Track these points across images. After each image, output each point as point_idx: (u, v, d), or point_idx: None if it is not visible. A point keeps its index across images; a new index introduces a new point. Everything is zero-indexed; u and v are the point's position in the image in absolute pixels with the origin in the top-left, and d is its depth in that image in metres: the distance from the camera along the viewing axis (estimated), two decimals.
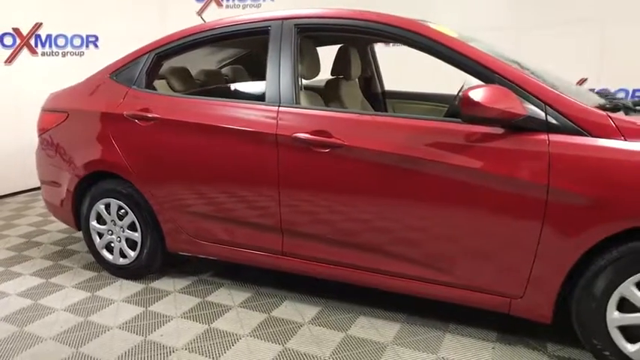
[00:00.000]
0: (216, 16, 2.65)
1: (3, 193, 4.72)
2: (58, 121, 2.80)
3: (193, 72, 3.16)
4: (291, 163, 2.12)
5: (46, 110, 2.90)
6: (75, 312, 2.39)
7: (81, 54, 5.30)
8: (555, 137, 1.70)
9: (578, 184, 1.66)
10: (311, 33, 2.30)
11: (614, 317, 1.71)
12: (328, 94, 2.78)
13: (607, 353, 1.75)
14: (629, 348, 1.71)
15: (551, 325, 1.86)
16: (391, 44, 6.61)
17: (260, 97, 2.26)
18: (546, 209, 1.71)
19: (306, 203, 2.14)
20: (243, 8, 6.42)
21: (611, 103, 1.91)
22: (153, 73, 2.61)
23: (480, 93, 1.66)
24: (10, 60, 4.77)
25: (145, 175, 2.50)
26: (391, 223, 1.99)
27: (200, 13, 6.28)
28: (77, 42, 5.28)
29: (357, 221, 2.06)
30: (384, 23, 2.06)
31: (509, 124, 1.73)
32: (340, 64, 2.86)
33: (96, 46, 5.42)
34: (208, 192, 2.38)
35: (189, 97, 2.52)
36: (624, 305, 1.69)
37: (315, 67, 2.48)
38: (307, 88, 2.98)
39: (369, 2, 6.38)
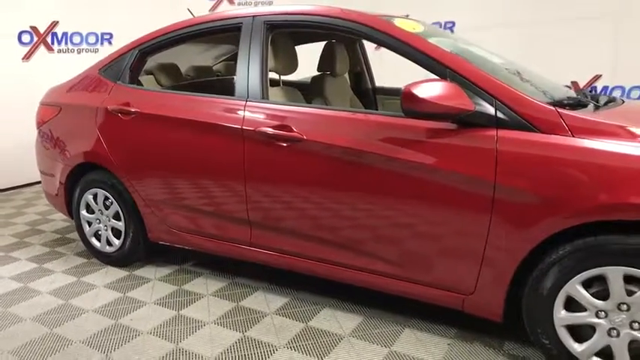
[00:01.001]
0: None
1: (19, 184, 4.98)
2: (52, 114, 2.94)
3: (185, 67, 3.26)
4: (255, 157, 2.18)
5: (43, 104, 3.06)
6: (58, 295, 2.52)
7: (95, 51, 5.50)
8: (504, 133, 1.69)
9: (524, 180, 1.64)
10: (281, 30, 2.33)
11: (561, 316, 1.68)
12: (313, 90, 2.82)
13: (555, 352, 1.73)
14: (576, 347, 1.68)
15: (512, 323, 1.84)
16: None
17: (232, 92, 2.32)
18: (493, 206, 1.70)
19: (269, 196, 2.19)
20: (255, 5, 6.51)
21: (572, 99, 1.86)
22: (136, 69, 2.71)
23: (422, 88, 1.66)
24: (27, 57, 5.01)
25: (126, 167, 2.61)
26: (346, 216, 2.02)
27: (212, 9, 6.40)
28: (92, 39, 5.49)
29: (315, 214, 2.09)
30: (342, 19, 2.07)
31: (457, 119, 1.73)
32: (326, 61, 2.89)
33: (110, 43, 5.61)
34: (182, 184, 2.46)
35: (166, 92, 2.61)
36: (572, 304, 1.67)
37: (290, 63, 2.52)
38: (291, 83, 3.03)
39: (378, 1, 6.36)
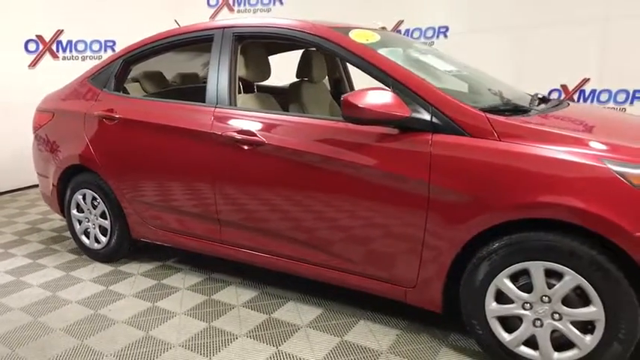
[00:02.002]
0: None
1: (24, 186, 5.23)
2: (46, 120, 3.15)
3: (171, 75, 3.44)
4: (222, 159, 2.34)
5: (39, 110, 3.27)
6: (47, 288, 2.71)
7: (99, 58, 5.73)
8: (438, 137, 1.82)
9: (455, 181, 1.77)
10: (249, 40, 2.49)
11: (492, 308, 1.80)
12: (291, 97, 2.97)
13: (488, 342, 1.85)
14: (506, 337, 1.80)
15: (452, 315, 1.97)
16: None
17: (204, 99, 2.48)
18: (429, 205, 1.83)
19: (234, 196, 2.35)
20: (254, 12, 6.70)
21: (509, 105, 1.98)
22: (121, 77, 2.90)
23: (359, 96, 1.80)
24: (33, 64, 5.27)
25: (110, 169, 2.80)
26: (299, 215, 2.17)
27: (213, 17, 6.61)
28: (96, 47, 5.74)
29: (273, 213, 2.24)
30: (299, 30, 2.22)
31: (397, 124, 1.86)
32: (303, 68, 3.04)
33: (113, 50, 5.84)
34: (159, 185, 2.63)
35: (146, 99, 2.80)
36: (502, 297, 1.79)
37: (261, 71, 2.68)
38: (273, 89, 3.19)
39: (377, 4, 6.49)
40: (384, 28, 3.25)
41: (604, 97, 5.11)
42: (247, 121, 2.28)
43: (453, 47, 6.20)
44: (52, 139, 3.11)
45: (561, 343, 1.72)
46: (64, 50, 5.49)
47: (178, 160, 2.52)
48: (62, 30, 5.44)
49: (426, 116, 1.85)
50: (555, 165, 1.62)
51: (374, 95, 1.81)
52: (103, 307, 2.46)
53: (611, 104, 5.07)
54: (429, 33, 6.46)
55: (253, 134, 2.22)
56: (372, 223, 1.99)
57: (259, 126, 2.23)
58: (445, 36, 6.36)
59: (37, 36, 5.25)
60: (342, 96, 1.82)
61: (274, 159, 2.18)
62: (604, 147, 1.63)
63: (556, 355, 1.72)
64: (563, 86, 5.39)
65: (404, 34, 6.52)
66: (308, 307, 2.38)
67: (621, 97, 4.96)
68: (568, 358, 1.70)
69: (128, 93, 3.05)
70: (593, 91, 5.19)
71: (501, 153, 1.70)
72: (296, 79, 3.17)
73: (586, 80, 5.20)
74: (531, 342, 1.77)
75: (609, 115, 2.25)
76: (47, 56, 5.34)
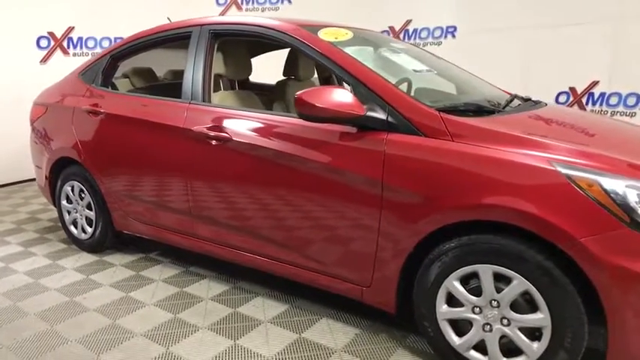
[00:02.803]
0: None
1: (33, 177, 5.39)
2: (41, 113, 3.26)
3: (163, 71, 3.51)
4: (194, 154, 2.37)
5: (35, 103, 3.38)
6: (31, 275, 2.81)
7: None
8: (392, 137, 1.80)
9: (406, 181, 1.76)
10: (225, 37, 2.51)
11: (443, 310, 1.78)
12: (276, 94, 2.99)
13: (439, 345, 1.83)
14: (456, 341, 1.77)
15: (407, 316, 1.96)
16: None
17: (180, 95, 2.52)
18: (382, 204, 1.82)
19: (204, 190, 2.38)
20: (262, 11, 6.76)
21: (472, 105, 1.95)
22: (109, 73, 2.98)
23: (312, 94, 1.80)
24: (45, 60, 5.44)
25: (94, 162, 2.87)
26: (260, 210, 2.18)
27: (222, 14, 6.68)
28: (105, 43, 5.86)
29: (239, 207, 2.26)
30: (270, 28, 2.23)
31: (355, 123, 1.85)
32: (290, 66, 3.06)
33: None
34: (138, 178, 2.69)
35: (128, 95, 2.86)
36: (453, 300, 1.76)
37: (240, 69, 2.71)
38: (258, 88, 3.22)
39: (385, 3, 6.44)
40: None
41: (613, 100, 4.95)
42: (217, 117, 2.31)
43: (461, 47, 6.13)
44: (45, 131, 3.22)
45: (510, 348, 1.69)
46: (75, 47, 5.65)
47: (155, 154, 2.56)
48: (73, 27, 5.60)
49: (382, 115, 1.83)
50: (503, 166, 1.59)
51: (327, 93, 1.81)
52: (79, 295, 2.53)
53: (620, 108, 4.91)
54: (437, 33, 6.38)
55: (221, 130, 2.25)
56: (328, 220, 1.99)
57: (227, 122, 2.26)
58: (453, 36, 6.28)
59: (48, 33, 5.42)
60: (296, 93, 1.83)
61: (238, 155, 2.20)
62: (555, 150, 1.58)
63: None
64: (572, 89, 5.25)
65: (412, 34, 6.47)
66: (274, 303, 2.40)
67: (631, 101, 4.80)
68: None
69: (117, 89, 3.12)
70: (602, 94, 5.04)
71: (452, 153, 1.68)
72: (283, 77, 3.20)
73: (595, 83, 5.05)
74: (481, 347, 1.74)
75: (579, 118, 2.18)
76: (58, 52, 5.51)
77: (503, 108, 2.05)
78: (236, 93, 2.72)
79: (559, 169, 1.52)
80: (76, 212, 3.13)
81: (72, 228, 3.20)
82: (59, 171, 3.17)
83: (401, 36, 6.54)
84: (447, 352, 1.81)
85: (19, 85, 5.24)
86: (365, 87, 1.88)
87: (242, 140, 2.17)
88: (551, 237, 1.51)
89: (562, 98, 5.37)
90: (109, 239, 3.05)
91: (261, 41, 2.89)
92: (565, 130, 1.92)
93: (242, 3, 6.72)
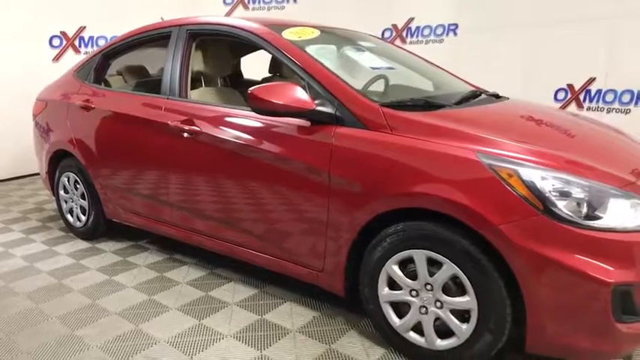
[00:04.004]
0: None
1: None
2: (41, 108, 3.48)
3: (156, 68, 3.67)
4: (170, 146, 2.53)
5: (37, 99, 3.61)
6: (27, 259, 3.02)
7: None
8: (339, 129, 1.92)
9: (349, 171, 1.87)
10: (201, 37, 2.66)
11: (384, 293, 1.89)
12: None
13: (382, 326, 1.94)
14: (397, 322, 1.88)
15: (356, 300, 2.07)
16: (408, 43, 6.73)
17: (159, 91, 2.68)
18: (329, 193, 1.94)
19: (179, 180, 2.54)
20: (268, 10, 6.91)
21: (418, 100, 2.04)
22: (101, 70, 3.17)
23: (265, 89, 1.93)
24: (57, 58, 5.71)
25: (86, 154, 3.06)
26: (226, 199, 2.32)
27: (228, 14, 6.86)
28: None
29: (206, 196, 2.41)
30: (238, 28, 2.37)
31: (301, 116, 1.97)
32: (274, 63, 3.20)
33: None
34: (124, 170, 2.86)
35: (117, 91, 3.03)
36: (395, 283, 1.87)
37: (219, 67, 2.86)
38: (247, 84, 3.35)
39: (388, 2, 6.51)
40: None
41: (609, 97, 4.93)
42: (190, 112, 2.46)
43: (463, 45, 6.16)
44: (44, 126, 3.43)
45: (444, 330, 1.79)
46: (86, 45, 5.91)
47: (138, 147, 2.73)
48: (84, 26, 5.86)
49: (331, 109, 1.95)
50: (431, 157, 1.69)
51: (278, 89, 1.93)
52: (67, 278, 2.73)
53: (616, 105, 4.88)
54: (439, 30, 6.42)
55: (192, 124, 2.40)
56: (284, 208, 2.12)
57: (198, 117, 2.41)
58: (455, 34, 6.31)
59: (61, 32, 5.69)
60: (249, 89, 1.96)
61: (207, 147, 2.35)
62: (481, 141, 1.67)
63: (439, 341, 1.79)
64: (570, 86, 5.23)
65: (415, 32, 6.53)
66: (245, 288, 2.54)
67: (626, 98, 4.77)
68: (448, 345, 1.77)
69: (110, 85, 3.31)
70: (598, 91, 5.01)
71: (387, 145, 1.78)
72: (268, 74, 3.34)
73: (592, 80, 5.03)
74: (420, 328, 1.84)
75: (534, 113, 2.24)
76: (70, 51, 5.77)
77: (459, 103, 2.14)
78: (216, 89, 2.86)
79: (482, 159, 1.61)
80: (72, 202, 3.34)
81: (68, 216, 3.41)
82: (57, 163, 3.39)
83: (404, 34, 6.61)
84: (389, 333, 1.92)
85: (32, 82, 5.46)
86: (316, 82, 2.00)
87: (210, 133, 2.32)
88: (473, 223, 1.61)
89: (560, 95, 5.36)
90: (101, 227, 3.25)
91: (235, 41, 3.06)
92: (505, 123, 2.00)
93: (249, 2, 6.88)
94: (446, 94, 2.46)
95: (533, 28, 5.42)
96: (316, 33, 2.45)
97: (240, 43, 3.19)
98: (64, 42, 5.74)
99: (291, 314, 2.27)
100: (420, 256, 1.76)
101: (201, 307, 2.36)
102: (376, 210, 1.81)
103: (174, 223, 2.68)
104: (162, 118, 2.54)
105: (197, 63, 2.72)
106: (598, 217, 1.54)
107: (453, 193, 1.63)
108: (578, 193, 1.55)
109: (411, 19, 6.57)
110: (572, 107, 5.27)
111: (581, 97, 5.14)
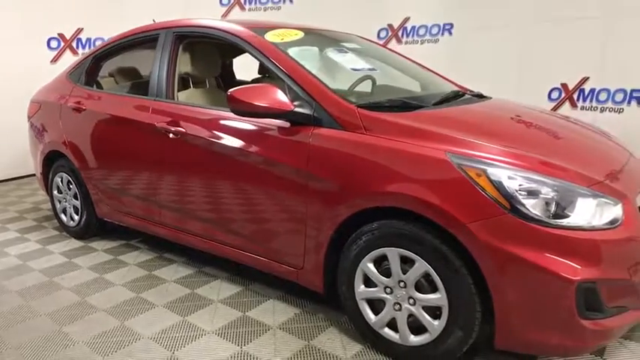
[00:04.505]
0: None
1: None
2: (36, 110, 3.54)
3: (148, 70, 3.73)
4: (157, 147, 2.58)
5: (31, 101, 3.67)
6: (20, 258, 3.08)
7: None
8: (317, 130, 1.96)
9: (325, 171, 1.91)
10: (187, 40, 2.70)
11: (360, 290, 1.93)
12: None
13: (359, 323, 1.98)
14: (372, 318, 1.92)
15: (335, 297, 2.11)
16: (403, 43, 6.76)
17: (147, 93, 2.73)
18: (308, 192, 1.98)
19: (166, 179, 2.59)
20: (265, 11, 6.95)
21: (396, 101, 2.08)
22: (92, 73, 3.23)
23: (243, 91, 1.97)
24: (55, 60, 5.78)
25: (78, 155, 3.12)
26: (210, 198, 2.37)
27: (224, 16, 6.91)
28: None
29: (192, 196, 2.46)
30: (221, 30, 2.42)
31: (281, 117, 2.02)
32: (262, 65, 3.24)
33: None
34: (114, 170, 2.92)
35: (107, 93, 3.08)
36: (369, 281, 1.91)
37: (206, 68, 2.91)
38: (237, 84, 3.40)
39: (384, 1, 6.54)
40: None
41: (603, 96, 4.94)
42: (175, 113, 2.50)
43: (458, 44, 6.19)
44: (39, 127, 3.50)
45: (418, 326, 1.82)
46: (84, 47, 5.97)
47: (126, 147, 2.79)
48: (82, 28, 5.92)
49: (309, 110, 1.99)
50: (403, 157, 1.73)
51: (257, 90, 1.98)
52: (58, 276, 2.78)
53: (609, 104, 4.89)
54: (435, 30, 6.44)
55: (177, 125, 2.44)
56: (266, 207, 2.16)
57: (184, 117, 2.45)
58: (450, 33, 6.33)
59: (58, 34, 5.76)
60: (229, 91, 2.00)
61: (192, 147, 2.40)
62: (452, 141, 1.71)
63: (412, 337, 1.83)
64: (564, 85, 5.24)
65: (410, 32, 6.55)
66: (230, 286, 2.58)
67: (619, 97, 4.78)
68: (421, 342, 1.81)
69: (102, 87, 3.36)
70: (592, 90, 5.02)
71: (361, 145, 1.82)
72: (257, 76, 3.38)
73: (585, 79, 5.04)
74: (394, 325, 1.88)
75: (513, 113, 2.28)
76: (68, 53, 5.83)
77: (439, 103, 2.18)
78: (204, 91, 2.91)
79: (452, 159, 1.65)
80: (65, 202, 3.40)
81: (62, 216, 3.47)
82: (51, 164, 3.44)
83: (399, 34, 6.64)
84: (365, 330, 1.96)
85: (30, 84, 5.53)
86: (295, 84, 2.05)
87: (194, 134, 2.37)
88: (443, 222, 1.65)
89: (554, 94, 5.37)
90: (93, 227, 3.30)
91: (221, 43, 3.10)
92: (479, 123, 2.03)
93: (245, 3, 6.92)
94: (429, 94, 2.50)
95: (528, 28, 5.44)
96: (300, 35, 2.50)
97: (227, 45, 3.26)
98: (62, 44, 5.81)
99: (274, 311, 2.31)
100: (393, 254, 1.80)
101: (186, 304, 2.41)
102: (352, 209, 1.85)
103: (161, 223, 2.73)
104: (149, 119, 2.59)
105: (185, 65, 2.77)
106: (565, 216, 1.57)
107: (423, 192, 1.67)
108: (546, 192, 1.58)
109: (407, 19, 6.59)
110: (566, 107, 5.28)
111: (575, 96, 5.15)
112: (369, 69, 2.51)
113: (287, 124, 2.06)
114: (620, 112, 4.77)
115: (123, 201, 2.96)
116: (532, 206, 1.56)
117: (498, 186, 1.58)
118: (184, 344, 2.06)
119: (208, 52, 2.92)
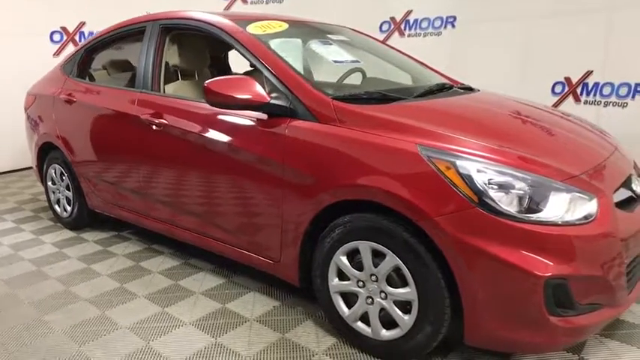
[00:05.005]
0: None
1: None
2: (31, 102, 3.58)
3: None
4: (141, 139, 2.58)
5: (27, 93, 3.71)
6: (14, 248, 3.13)
7: (118, 48, 6.23)
8: (293, 122, 1.94)
9: (300, 163, 1.90)
10: (173, 32, 2.70)
11: (334, 284, 1.92)
12: None
13: (333, 316, 1.96)
14: (346, 312, 1.91)
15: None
16: (406, 36, 6.69)
17: (134, 85, 2.74)
18: (283, 185, 1.96)
19: (150, 172, 2.60)
20: (267, 4, 6.93)
21: (375, 94, 2.05)
22: (84, 65, 3.25)
23: (219, 83, 1.96)
24: (58, 53, 5.82)
25: (69, 147, 3.15)
26: (190, 190, 2.38)
27: (226, 9, 6.90)
28: None
29: (174, 187, 2.47)
30: (204, 22, 2.41)
31: (258, 109, 2.00)
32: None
33: None
34: (102, 161, 2.94)
35: (96, 85, 3.09)
36: (343, 274, 1.89)
37: (194, 61, 2.91)
38: None
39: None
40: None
41: (606, 90, 4.83)
42: (159, 105, 2.51)
43: (461, 37, 6.10)
44: (34, 119, 3.53)
45: (390, 321, 1.80)
46: None
47: (113, 139, 2.81)
48: (84, 22, 5.96)
49: (286, 102, 1.97)
50: (374, 149, 1.71)
51: (232, 82, 1.97)
52: (47, 266, 2.82)
53: (613, 98, 4.79)
54: (437, 23, 6.36)
55: (160, 116, 2.45)
56: (244, 199, 2.15)
57: (166, 110, 2.45)
58: (453, 26, 6.25)
59: (61, 27, 5.81)
60: (205, 82, 1.99)
61: (173, 139, 2.40)
62: (424, 134, 1.68)
63: (384, 332, 1.81)
64: (567, 79, 5.14)
65: (413, 24, 6.48)
66: (213, 278, 2.59)
67: (623, 91, 4.67)
68: (392, 336, 1.79)
69: (94, 79, 3.38)
70: (596, 84, 4.92)
71: (336, 138, 1.80)
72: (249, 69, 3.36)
73: (589, 73, 4.93)
74: (367, 319, 1.87)
75: (490, 105, 2.23)
76: (70, 46, 5.87)
77: (422, 95, 2.15)
78: (191, 83, 2.91)
79: (422, 152, 1.62)
80: (59, 193, 3.44)
81: (56, 207, 3.51)
82: (45, 155, 3.48)
83: (402, 26, 6.57)
84: (339, 323, 1.95)
85: (33, 77, 5.60)
86: (272, 75, 2.03)
87: (175, 126, 2.37)
88: (412, 216, 1.62)
89: (558, 88, 5.27)
90: (84, 218, 3.33)
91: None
92: (458, 116, 1.99)
93: None
94: (413, 87, 2.47)
95: (531, 20, 5.34)
96: (284, 27, 2.47)
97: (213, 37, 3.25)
98: (65, 37, 5.85)
99: (253, 303, 2.31)
100: (364, 247, 1.78)
101: (168, 295, 2.42)
102: (325, 202, 1.83)
103: (146, 214, 2.75)
104: (134, 111, 2.60)
105: (171, 57, 2.77)
106: (537, 211, 1.54)
107: (393, 185, 1.64)
108: (519, 186, 1.55)
109: (409, 12, 6.52)
110: (570, 101, 5.18)
111: (579, 90, 5.05)
112: (352, 61, 2.48)
113: (265, 117, 2.04)
114: (624, 106, 4.67)
115: (110, 192, 2.97)
116: (502, 200, 1.53)
117: (467, 179, 1.55)
118: (160, 335, 2.07)
119: (195, 45, 2.92)
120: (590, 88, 4.96)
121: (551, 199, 1.56)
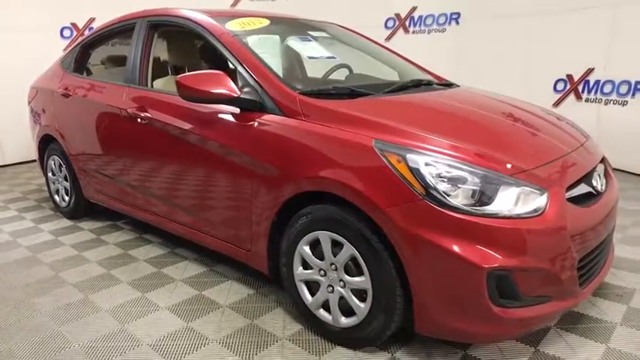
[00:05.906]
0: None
1: None
2: (33, 95, 3.73)
3: None
4: (128, 132, 2.69)
5: (31, 87, 3.86)
6: (13, 235, 3.28)
7: (127, 44, 6.39)
8: (262, 116, 2.02)
9: (267, 155, 1.97)
10: (160, 28, 2.79)
11: (299, 272, 1.99)
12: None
13: (298, 304, 2.04)
14: (309, 299, 1.98)
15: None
16: (410, 32, 6.69)
17: (123, 80, 2.84)
18: (252, 177, 2.04)
19: (137, 164, 2.70)
20: (273, 0, 6.99)
21: (340, 89, 2.11)
22: (81, 60, 3.37)
23: (191, 77, 2.04)
24: (67, 49, 6.01)
25: (66, 139, 3.28)
26: (170, 181, 2.47)
27: (232, 6, 6.99)
28: None
29: (156, 178, 2.57)
30: (185, 19, 2.50)
31: (229, 103, 2.08)
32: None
33: None
34: (94, 153, 3.06)
35: (91, 80, 3.22)
36: (307, 263, 1.96)
37: (180, 57, 3.00)
38: None
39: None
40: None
41: (607, 88, 4.78)
42: (144, 99, 2.61)
43: (465, 33, 6.09)
44: (36, 111, 3.68)
45: (349, 309, 1.87)
46: None
47: (104, 131, 2.92)
48: (94, 18, 6.12)
49: (256, 97, 2.05)
50: (331, 142, 1.77)
51: (204, 77, 2.05)
52: (41, 252, 2.96)
53: (614, 96, 4.73)
54: (442, 19, 6.36)
55: (145, 110, 2.55)
56: (217, 190, 2.24)
57: (152, 103, 2.55)
58: (457, 22, 6.24)
59: (71, 23, 5.98)
60: (177, 77, 2.07)
61: (156, 132, 2.50)
62: (381, 129, 1.73)
63: (343, 319, 1.88)
64: (569, 76, 5.09)
65: (417, 21, 6.49)
66: (196, 266, 2.69)
67: (624, 89, 4.61)
68: (350, 324, 1.85)
69: (92, 74, 3.51)
70: (597, 82, 4.86)
71: (299, 131, 1.87)
72: None
73: (591, 70, 4.88)
74: (329, 306, 1.93)
75: (460, 101, 2.27)
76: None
77: (395, 91, 2.20)
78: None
79: (376, 145, 1.67)
80: (58, 183, 3.58)
81: (55, 197, 3.66)
82: (46, 147, 3.63)
83: (406, 23, 6.58)
84: (304, 311, 2.02)
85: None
86: (245, 70, 2.11)
87: (157, 119, 2.46)
88: (365, 207, 1.68)
89: (560, 86, 5.23)
90: (81, 207, 3.47)
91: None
92: (421, 112, 2.03)
93: None
94: (390, 82, 2.51)
95: (534, 17, 5.30)
96: (264, 23, 2.54)
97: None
98: (75, 33, 6.02)
99: (229, 291, 2.40)
100: (324, 237, 1.84)
101: (150, 281, 2.52)
102: (289, 193, 1.90)
103: (134, 204, 2.86)
104: (123, 105, 2.71)
105: (160, 53, 2.87)
106: (484, 204, 1.58)
107: (349, 177, 1.70)
108: (468, 180, 1.59)
109: (414, 8, 6.53)
110: (571, 98, 5.13)
111: (580, 88, 5.00)
112: (328, 57, 2.54)
113: (237, 110, 2.12)
114: (624, 104, 4.61)
115: (102, 183, 3.10)
116: (448, 193, 1.57)
117: (415, 172, 1.60)
118: (136, 318, 2.17)
119: (183, 41, 3.01)
120: (591, 86, 4.91)
121: (501, 193, 1.60)
